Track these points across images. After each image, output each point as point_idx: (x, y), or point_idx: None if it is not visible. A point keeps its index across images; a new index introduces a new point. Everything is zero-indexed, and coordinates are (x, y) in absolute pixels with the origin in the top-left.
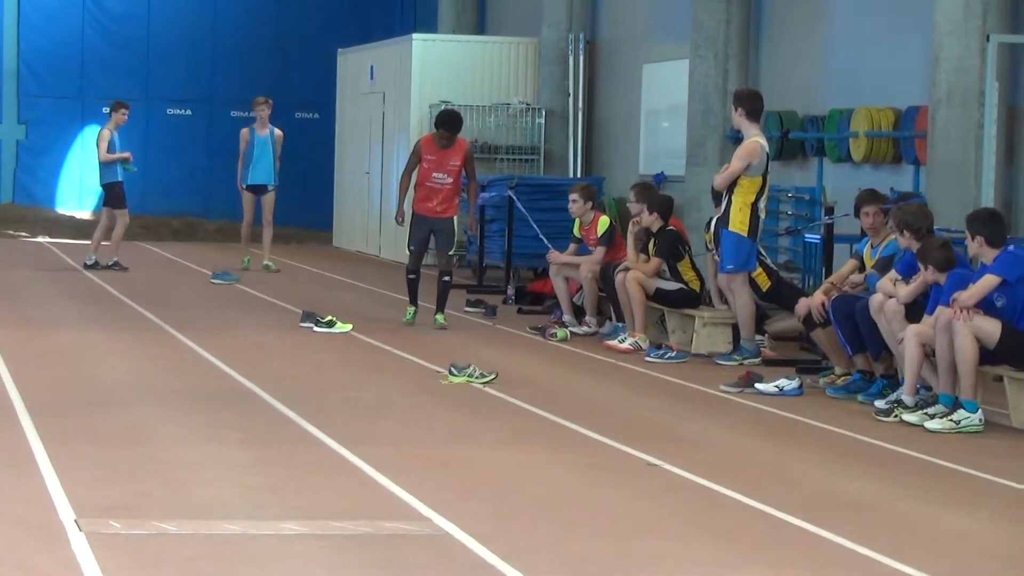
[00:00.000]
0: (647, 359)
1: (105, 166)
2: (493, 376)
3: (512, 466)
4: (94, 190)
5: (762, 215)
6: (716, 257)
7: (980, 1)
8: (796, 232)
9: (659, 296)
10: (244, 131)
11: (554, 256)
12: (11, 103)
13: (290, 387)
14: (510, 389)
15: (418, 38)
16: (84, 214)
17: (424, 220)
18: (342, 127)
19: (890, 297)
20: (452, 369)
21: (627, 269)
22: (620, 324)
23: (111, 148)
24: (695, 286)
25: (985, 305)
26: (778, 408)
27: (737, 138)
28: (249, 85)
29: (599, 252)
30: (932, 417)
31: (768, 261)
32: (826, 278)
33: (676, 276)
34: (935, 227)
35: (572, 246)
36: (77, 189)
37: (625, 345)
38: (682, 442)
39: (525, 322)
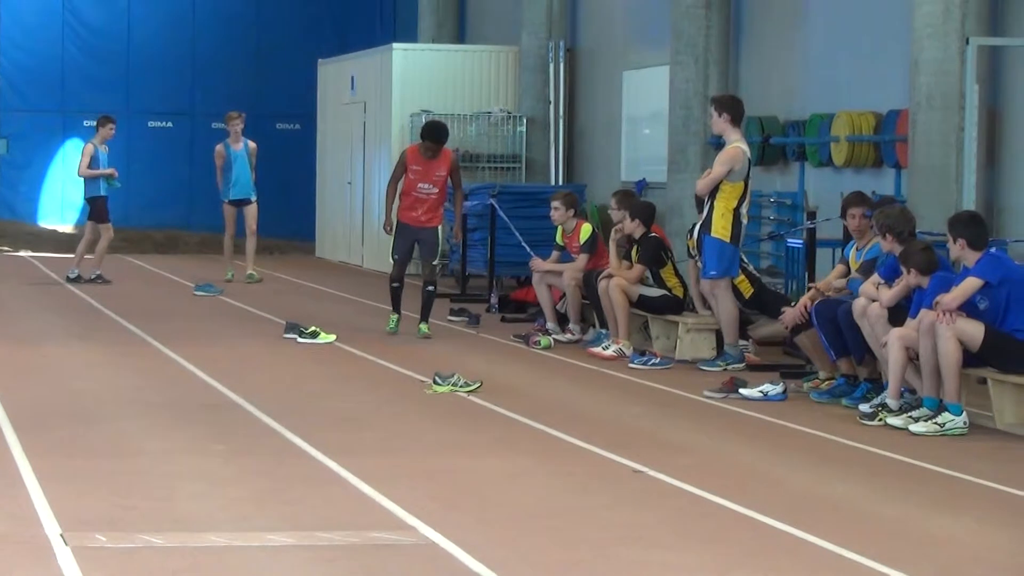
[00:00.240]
0: (631, 366)
1: (88, 180)
2: (478, 385)
3: (497, 474)
4: (76, 204)
5: (744, 220)
6: (699, 263)
7: (959, 4)
8: (778, 237)
9: (642, 303)
10: (219, 147)
11: (537, 264)
12: None
13: (274, 398)
14: (494, 397)
15: (398, 47)
16: (66, 228)
17: (409, 229)
18: (323, 137)
19: (873, 301)
20: (436, 378)
21: (610, 276)
22: (604, 331)
23: (95, 163)
24: (678, 292)
25: (968, 308)
26: (762, 413)
27: (719, 144)
28: (230, 97)
29: (582, 259)
30: (917, 420)
31: (751, 268)
32: (809, 283)
33: (659, 283)
34: (917, 230)
35: (555, 254)
36: (59, 203)
37: (609, 352)
38: (667, 448)
39: (509, 330)
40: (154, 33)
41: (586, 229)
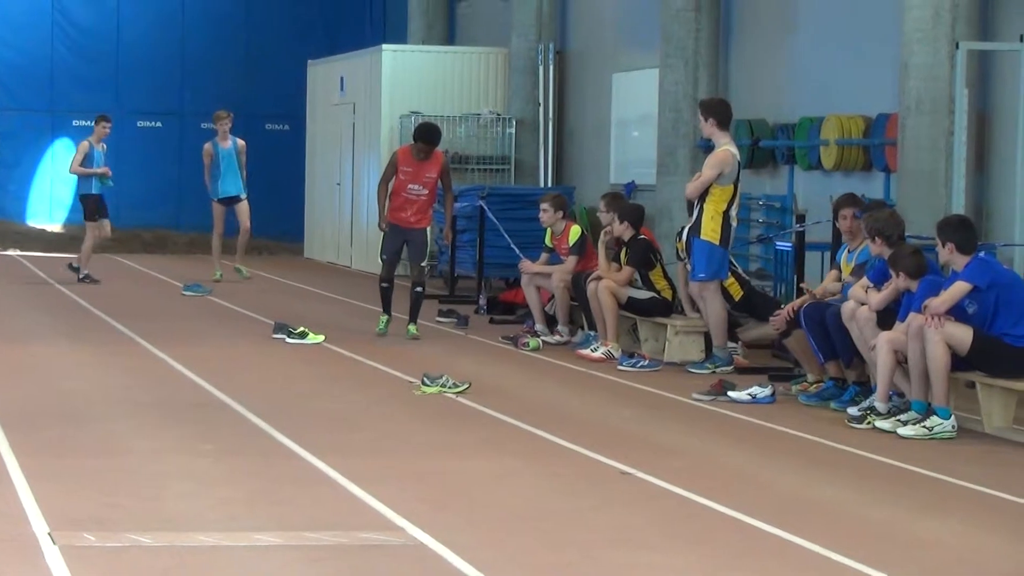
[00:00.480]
0: (619, 368)
1: (81, 178)
2: (466, 386)
3: (485, 475)
4: (65, 203)
5: (734, 223)
6: (688, 266)
7: (949, 9)
8: (767, 240)
9: (631, 305)
10: (207, 145)
11: (526, 265)
12: None
13: (263, 398)
14: (483, 399)
15: (388, 49)
16: (55, 227)
17: (398, 230)
18: (313, 138)
19: (862, 304)
20: (425, 379)
21: (599, 278)
22: (592, 333)
23: (89, 161)
24: (667, 295)
25: (957, 312)
26: (751, 416)
27: (708, 147)
28: (219, 97)
29: (571, 261)
30: (905, 424)
31: (740, 271)
32: (798, 285)
33: (648, 285)
34: (906, 234)
35: (544, 255)
36: (47, 202)
37: (597, 354)
38: (655, 450)
39: (497, 332)
40: (143, 33)
41: (575, 231)
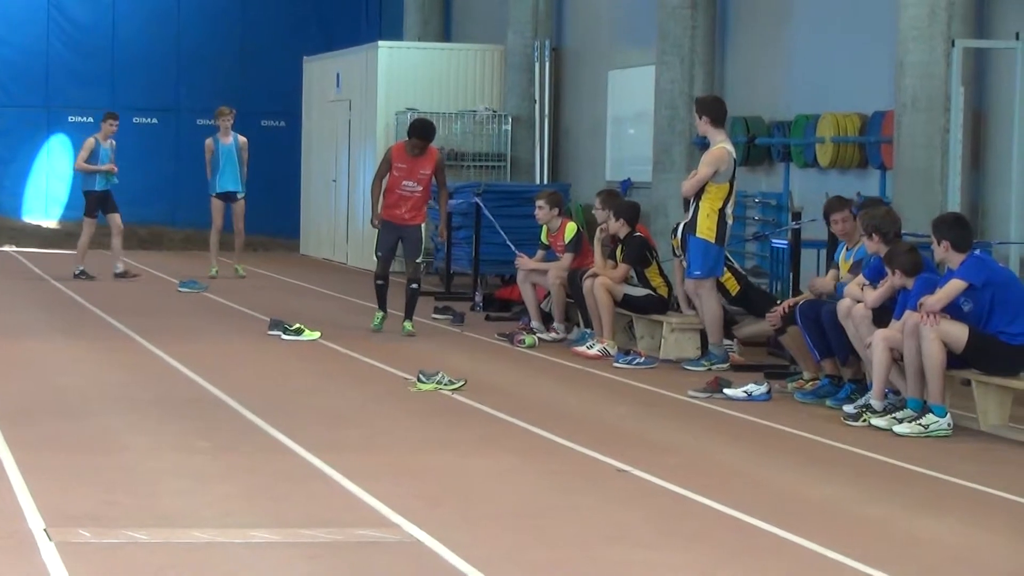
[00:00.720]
0: (615, 365)
1: (85, 174)
2: (462, 383)
3: (481, 472)
4: (60, 199)
5: (729, 221)
6: (684, 263)
7: (945, 7)
8: (763, 238)
9: (627, 302)
10: (208, 141)
11: (522, 262)
12: None
13: (258, 395)
14: (479, 396)
15: (384, 45)
16: (50, 223)
17: (392, 227)
18: (308, 135)
19: (857, 302)
20: (421, 376)
21: (595, 275)
22: (588, 330)
23: (95, 157)
24: (663, 292)
25: (952, 309)
26: (747, 413)
27: (704, 144)
28: (215, 93)
29: (567, 258)
30: (901, 421)
31: (736, 266)
32: (793, 283)
33: (644, 282)
34: (902, 232)
35: (540, 252)
36: (43, 199)
37: (593, 351)
38: (651, 448)
39: (493, 329)
40: (139, 29)
41: (571, 228)
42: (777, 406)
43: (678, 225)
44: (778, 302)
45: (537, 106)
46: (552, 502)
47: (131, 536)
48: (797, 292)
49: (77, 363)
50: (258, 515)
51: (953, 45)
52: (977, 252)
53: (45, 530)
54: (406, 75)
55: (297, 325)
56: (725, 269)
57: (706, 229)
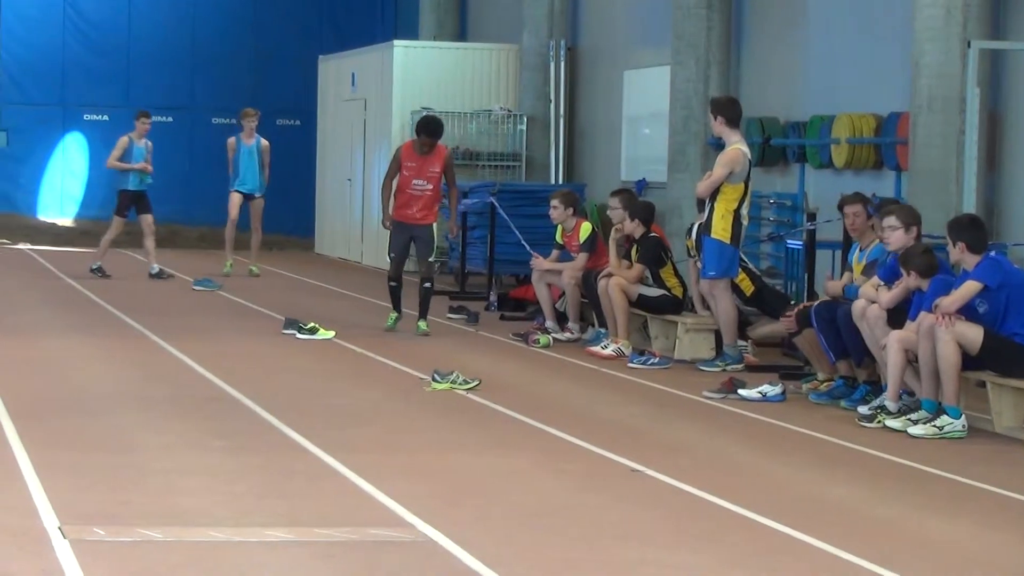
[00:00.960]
0: (630, 365)
1: (118, 173)
2: (476, 383)
3: (495, 472)
4: (76, 197)
5: (744, 222)
6: (698, 263)
7: (961, 7)
8: (778, 238)
9: (642, 302)
10: (231, 140)
11: (537, 262)
12: None
13: (273, 394)
14: (493, 395)
15: (399, 45)
16: (65, 221)
17: (404, 227)
18: (324, 134)
19: (872, 303)
20: (435, 375)
21: (610, 275)
22: (603, 330)
23: (128, 156)
24: (678, 292)
25: (967, 311)
26: (761, 414)
27: (719, 145)
28: (230, 92)
29: (581, 258)
30: (915, 423)
31: (751, 266)
32: (808, 284)
33: (659, 282)
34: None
35: (554, 252)
36: (58, 196)
37: (608, 351)
38: (665, 448)
39: (508, 328)
40: (155, 27)
41: (586, 228)
42: (791, 407)
43: (692, 225)
44: (792, 303)
45: (552, 106)
46: (566, 502)
47: (146, 534)
48: (812, 293)
49: (92, 361)
50: (272, 514)
51: (969, 46)
52: (993, 253)
53: (60, 528)
54: (421, 75)
55: (312, 324)
56: (740, 269)
57: (721, 230)
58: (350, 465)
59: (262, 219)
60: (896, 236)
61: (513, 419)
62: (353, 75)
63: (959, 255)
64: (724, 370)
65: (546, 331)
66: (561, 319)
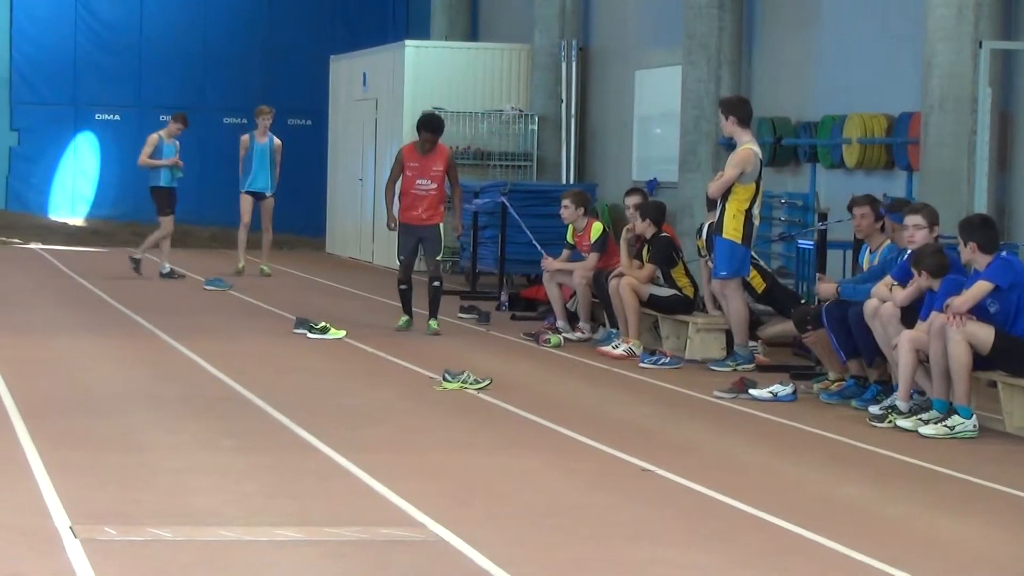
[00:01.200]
0: (641, 365)
1: (149, 170)
2: (487, 382)
3: (506, 472)
4: (87, 197)
5: (756, 221)
6: (710, 263)
7: (972, 7)
8: (789, 238)
9: (653, 302)
10: (244, 137)
11: (548, 262)
12: (3, 110)
13: (284, 393)
14: (504, 395)
15: (411, 44)
16: (77, 221)
17: (411, 229)
18: (335, 134)
19: (884, 302)
20: (446, 375)
21: (621, 275)
22: (614, 330)
23: (158, 154)
24: (689, 292)
25: (978, 311)
26: (772, 414)
27: (730, 145)
28: (241, 92)
29: (592, 258)
30: (926, 423)
31: (762, 264)
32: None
33: (670, 282)
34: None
35: (565, 252)
36: (70, 196)
37: (619, 351)
38: (676, 448)
39: (519, 328)
40: (166, 27)
41: (597, 228)
42: (802, 407)
43: (702, 225)
44: (803, 302)
45: (564, 106)
46: (576, 501)
47: (156, 534)
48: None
49: (103, 361)
50: (283, 513)
51: (980, 46)
52: (1004, 253)
53: (71, 527)
54: (433, 74)
55: (323, 324)
56: (751, 267)
57: (732, 230)
58: (361, 465)
59: (272, 218)
60: (921, 235)
61: (524, 419)
62: (364, 75)
63: (970, 255)
64: (735, 370)
65: (557, 331)
66: (572, 319)
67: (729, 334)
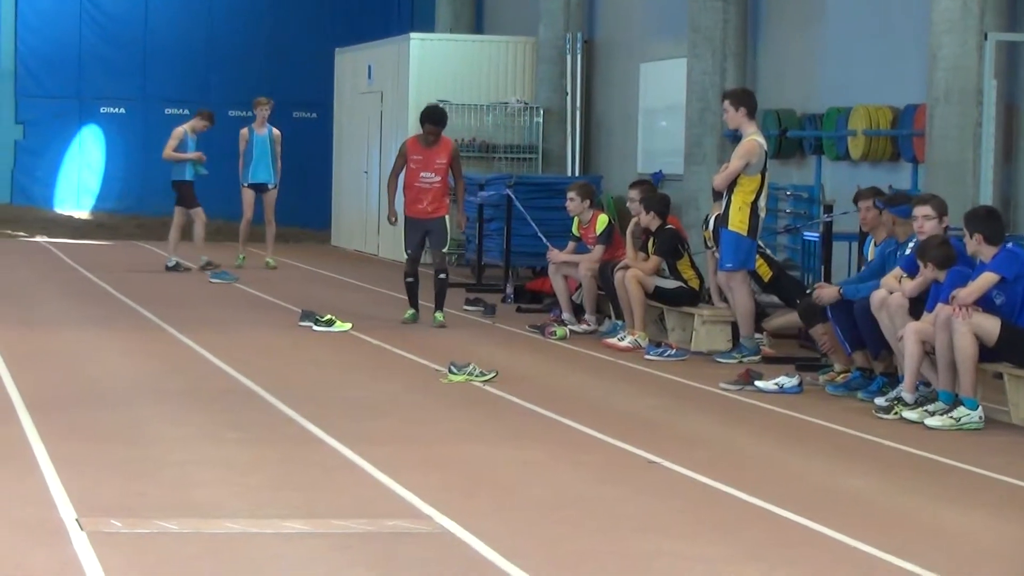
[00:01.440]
0: (646, 357)
1: (174, 164)
2: (493, 374)
3: (512, 464)
4: (92, 190)
5: (762, 213)
6: (716, 255)
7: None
8: (795, 230)
9: (658, 294)
10: (243, 130)
11: (553, 255)
12: (8, 104)
13: (290, 386)
14: (510, 387)
15: (416, 37)
16: (82, 214)
17: (417, 223)
18: (340, 127)
19: (891, 293)
20: (452, 367)
21: (626, 267)
22: (619, 322)
23: (183, 147)
24: (694, 284)
25: (984, 302)
26: (778, 406)
27: (735, 137)
28: (246, 84)
29: (598, 250)
30: (932, 414)
31: (768, 252)
32: (825, 276)
33: (675, 274)
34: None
35: (571, 244)
36: (75, 189)
37: (624, 343)
38: (682, 440)
39: (524, 320)
40: (171, 20)
41: (602, 220)
42: (808, 398)
43: (708, 217)
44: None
45: (569, 98)
46: (582, 493)
47: (162, 526)
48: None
49: (108, 353)
50: (289, 505)
51: (986, 38)
52: (1010, 245)
53: (77, 520)
54: (438, 67)
55: (328, 316)
56: (758, 256)
57: (738, 222)
58: (367, 457)
59: (275, 210)
60: (930, 225)
61: (530, 411)
62: (369, 68)
63: (976, 247)
64: (741, 362)
65: (563, 323)
66: (578, 311)
67: (735, 326)
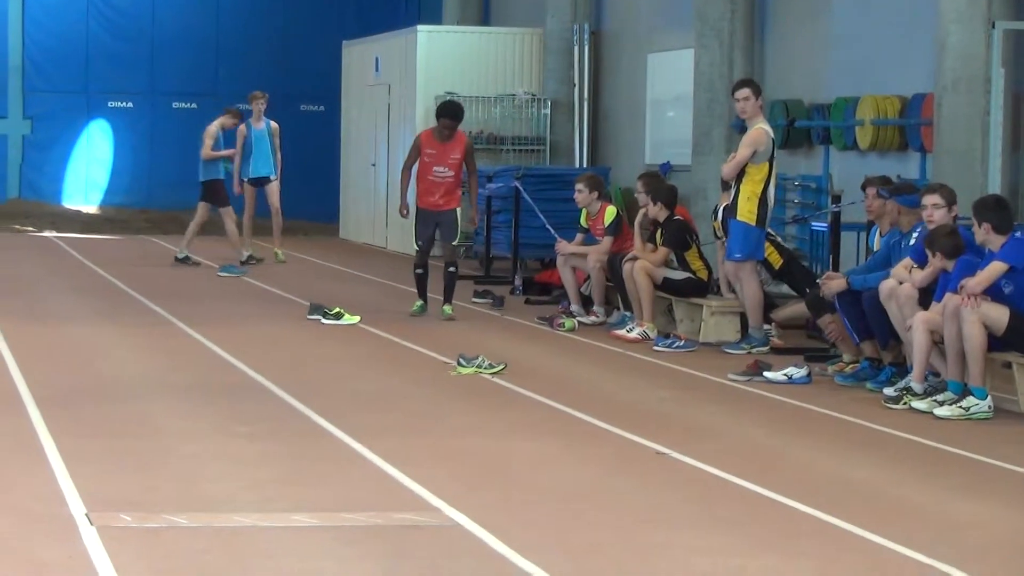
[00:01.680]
0: (655, 348)
1: (207, 163)
2: (502, 367)
3: (521, 456)
4: (100, 185)
5: (771, 204)
6: (726, 244)
7: None
8: (803, 220)
9: (667, 285)
10: (241, 126)
11: (562, 246)
12: (16, 98)
13: (298, 379)
14: (519, 379)
15: (423, 30)
16: (90, 208)
17: (428, 215)
18: (348, 119)
19: (901, 283)
20: (461, 360)
21: (635, 259)
22: (628, 314)
23: (217, 146)
24: (703, 275)
25: (993, 292)
26: (787, 396)
27: (742, 127)
28: (254, 78)
29: (606, 242)
30: (941, 404)
31: (779, 240)
32: (833, 266)
33: (684, 265)
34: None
35: (579, 236)
36: (83, 183)
37: (633, 335)
38: (691, 431)
39: (533, 312)
40: (178, 14)
41: (610, 211)
42: (817, 389)
43: (717, 207)
44: (818, 281)
45: (576, 90)
46: (592, 485)
47: (172, 520)
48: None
49: (117, 348)
50: (298, 499)
51: (994, 27)
52: (1018, 234)
53: (86, 514)
54: (445, 59)
55: (337, 309)
56: (768, 243)
57: (747, 212)
58: (375, 450)
59: (280, 198)
60: (940, 214)
61: (539, 403)
62: (377, 60)
63: (984, 236)
64: (750, 352)
65: (571, 315)
66: (586, 303)
67: (743, 317)
